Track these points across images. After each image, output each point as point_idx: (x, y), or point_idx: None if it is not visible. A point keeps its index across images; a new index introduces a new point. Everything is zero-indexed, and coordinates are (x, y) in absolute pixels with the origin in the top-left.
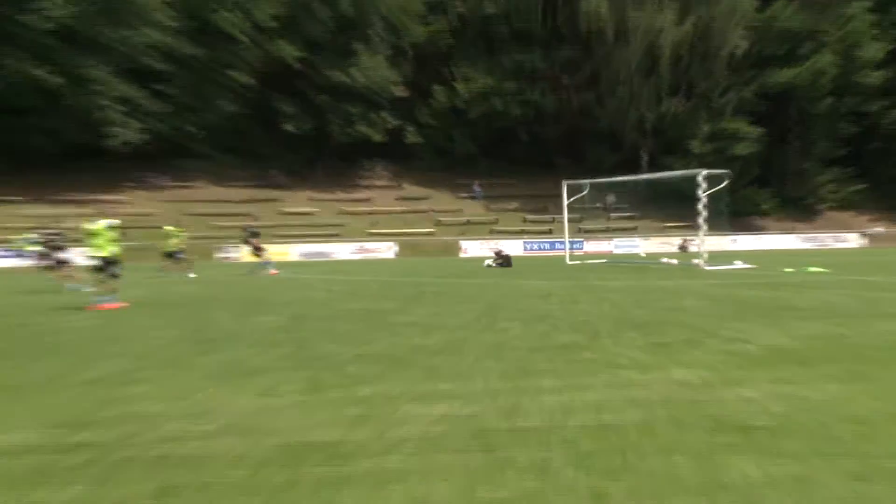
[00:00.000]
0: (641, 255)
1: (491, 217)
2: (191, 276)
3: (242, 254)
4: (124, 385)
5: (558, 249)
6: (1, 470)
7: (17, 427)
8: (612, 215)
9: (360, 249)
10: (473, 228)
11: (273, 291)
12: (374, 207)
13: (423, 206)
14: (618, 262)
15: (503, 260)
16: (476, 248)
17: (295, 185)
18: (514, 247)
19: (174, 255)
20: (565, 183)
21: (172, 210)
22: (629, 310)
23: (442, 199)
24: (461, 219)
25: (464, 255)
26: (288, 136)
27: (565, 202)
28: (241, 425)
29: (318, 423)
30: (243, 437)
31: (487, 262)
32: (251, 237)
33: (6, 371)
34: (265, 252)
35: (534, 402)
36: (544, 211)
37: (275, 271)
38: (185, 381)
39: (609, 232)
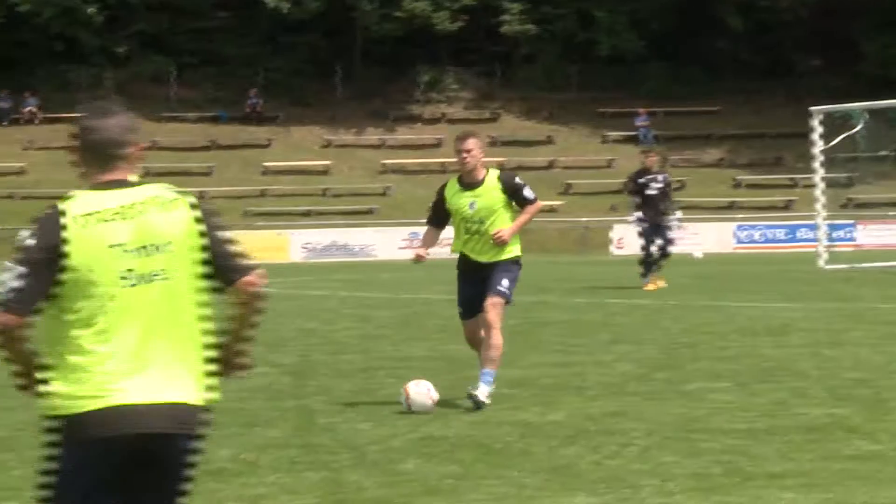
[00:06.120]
0: None
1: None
2: None
3: None
4: None
5: (803, 242)
6: None
7: None
8: None
9: (413, 241)
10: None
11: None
12: (442, 158)
13: (535, 155)
14: None
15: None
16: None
17: (291, 116)
18: (715, 234)
19: None
20: (817, 111)
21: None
22: None
23: (574, 144)
24: (613, 181)
25: (618, 252)
26: (277, 23)
27: (818, 147)
28: None
29: None
30: None
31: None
32: None
33: None
34: None
35: None
36: (775, 166)
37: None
38: None
39: None
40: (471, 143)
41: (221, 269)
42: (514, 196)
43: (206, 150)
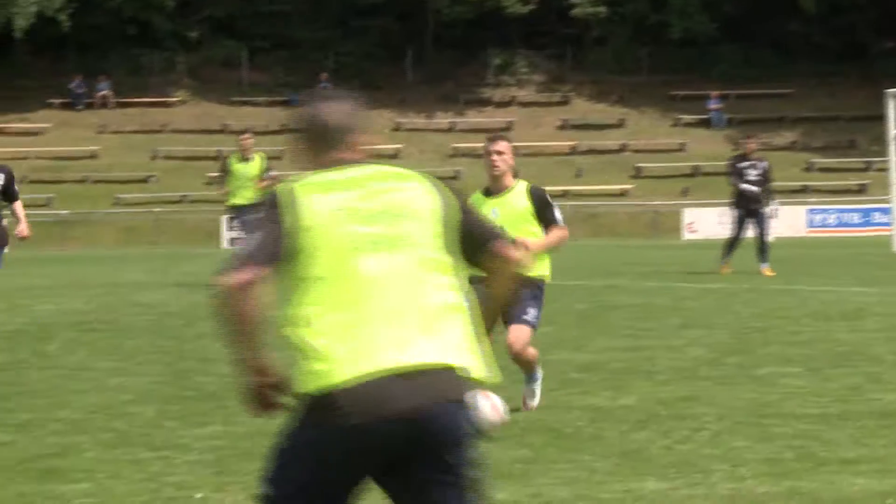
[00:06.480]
0: None
1: None
2: None
3: None
4: None
5: (877, 226)
6: None
7: None
8: None
9: None
10: (707, 183)
11: None
12: (513, 142)
13: (606, 139)
14: None
15: None
16: (713, 221)
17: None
18: (788, 218)
19: None
20: (892, 93)
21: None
22: None
23: (645, 127)
24: (685, 164)
25: (689, 236)
26: (348, 7)
27: (892, 130)
28: None
29: None
30: None
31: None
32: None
33: None
34: None
35: None
36: (849, 149)
37: None
38: None
39: None
40: (503, 145)
41: (476, 235)
42: (542, 212)
43: (277, 133)
